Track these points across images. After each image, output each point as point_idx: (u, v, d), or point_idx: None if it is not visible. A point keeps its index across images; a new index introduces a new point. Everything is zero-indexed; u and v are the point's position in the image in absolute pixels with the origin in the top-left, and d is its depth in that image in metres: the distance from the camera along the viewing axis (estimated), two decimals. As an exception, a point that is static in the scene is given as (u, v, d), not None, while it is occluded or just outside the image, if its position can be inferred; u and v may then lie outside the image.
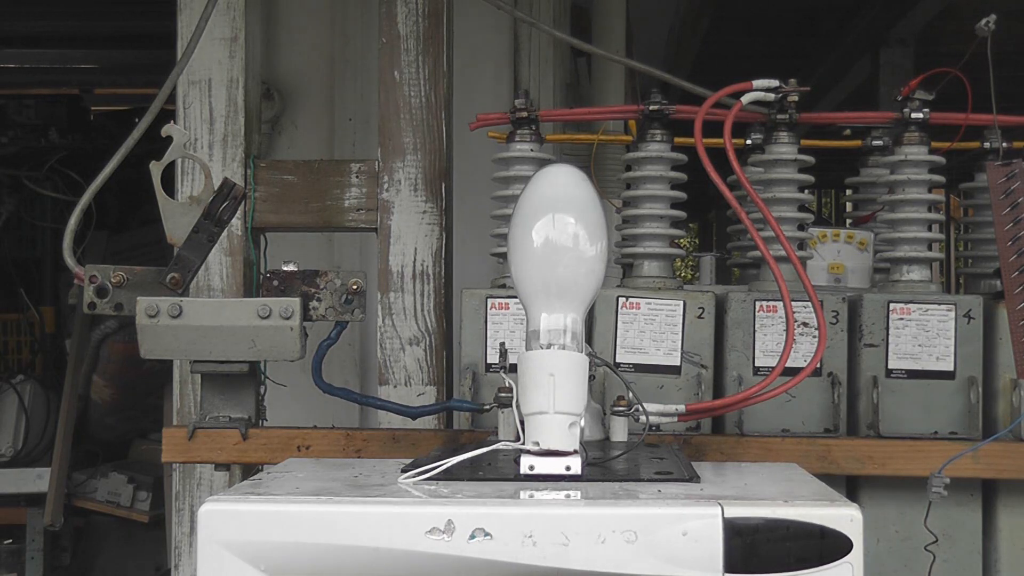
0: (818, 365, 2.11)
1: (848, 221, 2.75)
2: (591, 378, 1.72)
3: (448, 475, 1.62)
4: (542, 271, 1.69)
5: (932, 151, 2.30)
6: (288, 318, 1.97)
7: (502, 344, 2.08)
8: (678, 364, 2.18)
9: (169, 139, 2.02)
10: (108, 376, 4.51)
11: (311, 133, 3.20)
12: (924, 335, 2.17)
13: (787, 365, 1.92)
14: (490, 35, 3.26)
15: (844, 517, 1.44)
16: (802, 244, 2.33)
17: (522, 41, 3.36)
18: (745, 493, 1.59)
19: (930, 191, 2.32)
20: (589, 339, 2.14)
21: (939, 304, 2.18)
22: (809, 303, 2.03)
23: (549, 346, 1.66)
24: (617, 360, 2.18)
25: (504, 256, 2.17)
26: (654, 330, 2.19)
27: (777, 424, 2.17)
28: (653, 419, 1.96)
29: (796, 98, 2.24)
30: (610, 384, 2.14)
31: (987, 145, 2.31)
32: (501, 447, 1.67)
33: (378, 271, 2.44)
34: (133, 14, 5.11)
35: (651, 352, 2.19)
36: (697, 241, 13.21)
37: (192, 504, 2.52)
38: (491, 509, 1.44)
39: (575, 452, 1.63)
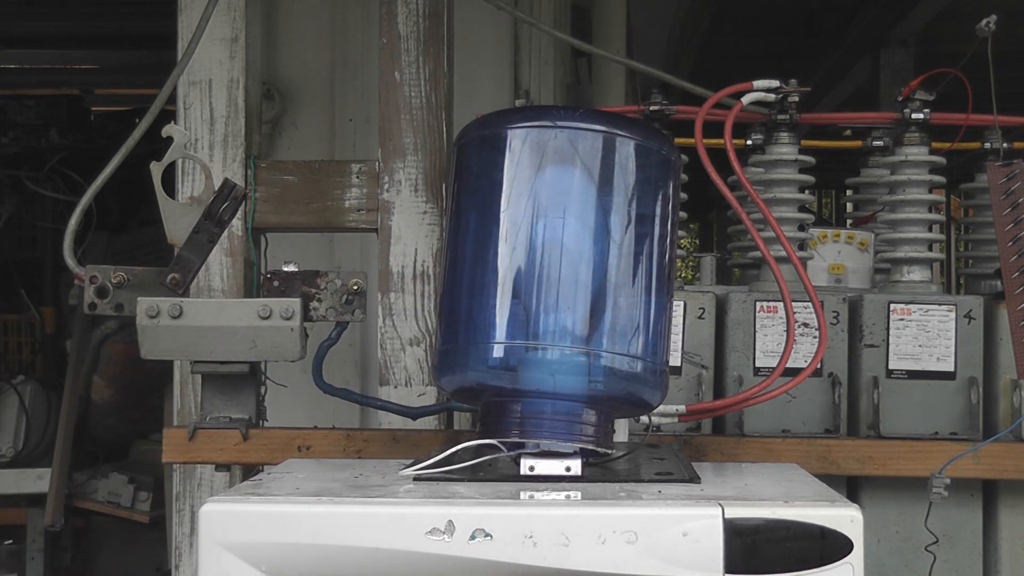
0: (818, 366, 2.11)
1: (848, 222, 2.75)
2: (592, 379, 1.72)
3: (448, 475, 1.62)
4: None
5: (932, 151, 2.30)
6: (289, 319, 1.97)
7: (502, 344, 2.08)
8: (679, 364, 2.18)
9: (169, 139, 2.02)
10: (108, 377, 4.51)
11: (311, 133, 3.19)
12: (924, 335, 2.17)
13: (788, 365, 1.93)
14: (490, 35, 3.26)
15: (844, 518, 1.44)
16: (803, 244, 2.33)
17: (522, 41, 3.36)
18: (745, 494, 1.59)
19: (930, 192, 2.32)
20: (589, 339, 2.14)
21: (939, 304, 2.18)
22: (809, 303, 2.03)
23: (551, 346, 1.66)
24: (617, 360, 2.17)
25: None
26: (654, 330, 2.19)
27: (777, 424, 2.17)
28: (654, 420, 1.96)
29: (796, 98, 2.24)
30: (610, 384, 2.14)
31: (987, 145, 2.31)
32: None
33: (378, 271, 2.44)
34: (134, 15, 5.12)
35: (651, 352, 2.19)
36: (697, 241, 13.22)
37: (193, 505, 2.52)
38: (491, 509, 1.44)
39: (575, 453, 1.63)
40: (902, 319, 2.17)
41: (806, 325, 2.16)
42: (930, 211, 2.31)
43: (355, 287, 2.05)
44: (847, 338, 2.20)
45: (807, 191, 2.36)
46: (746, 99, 2.18)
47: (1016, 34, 4.82)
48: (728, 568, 1.41)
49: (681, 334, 2.19)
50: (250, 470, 2.23)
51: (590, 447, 1.65)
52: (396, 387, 2.40)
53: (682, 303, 2.20)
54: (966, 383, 2.15)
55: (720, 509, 1.43)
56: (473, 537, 1.42)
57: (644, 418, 1.91)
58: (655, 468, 1.71)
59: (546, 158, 1.67)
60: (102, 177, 2.13)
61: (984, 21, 2.17)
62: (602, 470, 1.68)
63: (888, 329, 2.17)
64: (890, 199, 2.34)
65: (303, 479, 1.69)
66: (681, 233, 2.06)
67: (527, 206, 1.66)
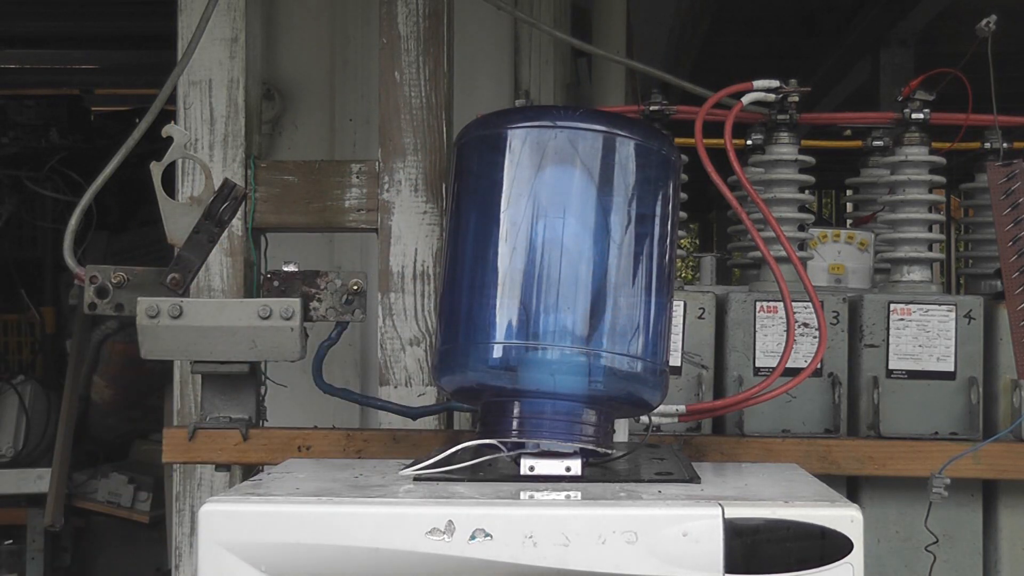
0: (818, 365, 2.11)
1: (848, 222, 2.75)
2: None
3: (448, 475, 1.62)
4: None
5: (932, 151, 2.30)
6: (289, 319, 1.97)
7: (502, 344, 2.08)
8: (679, 364, 2.18)
9: (169, 139, 2.02)
10: (108, 376, 4.51)
11: (311, 133, 3.19)
12: (924, 335, 2.17)
13: (788, 365, 1.93)
14: (490, 35, 3.26)
15: (844, 518, 1.44)
16: (803, 244, 2.33)
17: (522, 41, 3.36)
18: (745, 494, 1.59)
19: (930, 191, 2.32)
20: (589, 339, 2.14)
21: (939, 304, 2.18)
22: (809, 303, 2.03)
23: (550, 346, 1.66)
24: (617, 360, 2.17)
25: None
26: (654, 330, 2.19)
27: (777, 424, 2.17)
28: (654, 420, 1.96)
29: (796, 98, 2.24)
30: (610, 384, 2.14)
31: (987, 145, 2.31)
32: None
33: (378, 271, 2.44)
34: (134, 14, 5.12)
35: (651, 352, 2.19)
36: (697, 241, 13.23)
37: (193, 505, 2.52)
38: (491, 510, 1.44)
39: (575, 453, 1.63)
40: (902, 319, 2.17)
41: (806, 325, 2.16)
42: (930, 211, 2.31)
43: (355, 287, 2.05)
44: (847, 338, 2.20)
45: (807, 191, 2.36)
46: (746, 99, 2.18)
47: (1016, 34, 4.82)
48: (728, 568, 1.41)
49: (681, 334, 2.19)
50: (250, 470, 2.23)
51: (590, 447, 1.65)
52: (396, 387, 2.40)
53: (682, 303, 2.20)
54: (966, 383, 2.15)
55: (720, 509, 1.43)
56: (473, 537, 1.42)
57: (644, 418, 1.91)
58: (655, 468, 1.71)
59: (546, 158, 1.67)
60: (102, 177, 2.13)
61: (984, 21, 2.17)
62: (602, 470, 1.68)
63: (888, 329, 2.17)
64: (890, 199, 2.34)
65: (303, 479, 1.69)
66: (681, 233, 2.06)
67: (527, 206, 1.66)
